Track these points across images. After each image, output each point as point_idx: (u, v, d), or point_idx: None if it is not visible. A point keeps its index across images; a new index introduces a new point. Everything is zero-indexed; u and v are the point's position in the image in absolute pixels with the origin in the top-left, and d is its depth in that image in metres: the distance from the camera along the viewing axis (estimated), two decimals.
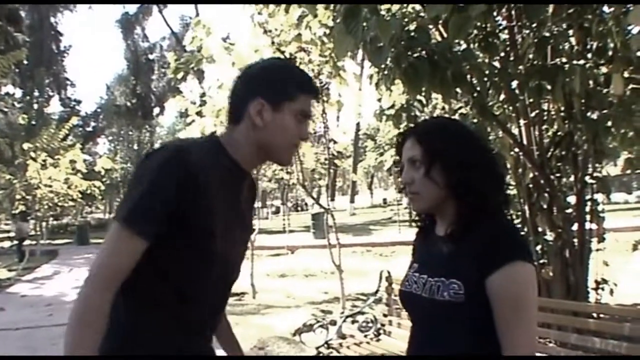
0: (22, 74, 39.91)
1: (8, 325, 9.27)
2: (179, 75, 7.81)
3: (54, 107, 50.08)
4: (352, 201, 49.33)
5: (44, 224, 26.49)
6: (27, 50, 20.48)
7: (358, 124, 40.83)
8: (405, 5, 5.38)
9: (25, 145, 22.00)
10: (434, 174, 1.87)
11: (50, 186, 22.06)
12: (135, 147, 51.51)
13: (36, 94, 45.73)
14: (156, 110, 54.97)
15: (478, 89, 4.91)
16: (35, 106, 44.48)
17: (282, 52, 7.51)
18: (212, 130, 2.06)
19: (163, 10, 52.72)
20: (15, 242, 24.54)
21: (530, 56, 5.26)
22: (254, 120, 1.93)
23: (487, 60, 5.07)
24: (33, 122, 36.39)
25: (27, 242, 24.14)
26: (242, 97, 1.97)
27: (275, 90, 1.95)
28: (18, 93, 44.61)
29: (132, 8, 53.42)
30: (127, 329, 1.87)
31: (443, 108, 6.57)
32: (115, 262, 1.78)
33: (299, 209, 59.39)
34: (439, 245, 1.94)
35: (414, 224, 2.13)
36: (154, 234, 1.77)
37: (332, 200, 37.57)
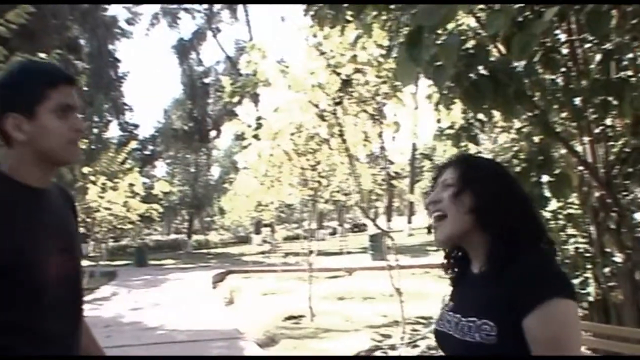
0: (82, 100, 40.99)
1: None
2: (235, 99, 7.84)
3: (113, 131, 51.17)
4: (409, 222, 48.97)
5: (103, 245, 26.92)
6: (87, 77, 20.95)
7: (414, 144, 40.63)
8: (460, 23, 5.28)
9: (85, 169, 22.45)
10: (463, 196, 1.85)
11: (109, 209, 22.42)
12: (192, 169, 52.15)
13: (95, 119, 46.85)
14: (212, 133, 55.65)
15: (541, 106, 4.76)
16: (95, 131, 45.55)
17: (338, 74, 7.48)
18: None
19: (217, 34, 53.62)
20: None
21: (594, 71, 5.09)
22: (16, 137, 1.86)
23: (549, 77, 4.92)
24: (93, 147, 37.27)
25: (85, 263, 24.58)
26: None
27: (24, 98, 1.87)
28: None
29: (187, 33, 54.40)
30: None
31: (502, 127, 6.43)
32: None
33: (356, 230, 59.19)
34: (473, 283, 1.91)
35: (443, 266, 2.07)
36: None
37: (390, 221, 37.38)
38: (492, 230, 1.82)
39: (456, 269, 2.02)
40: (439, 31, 3.71)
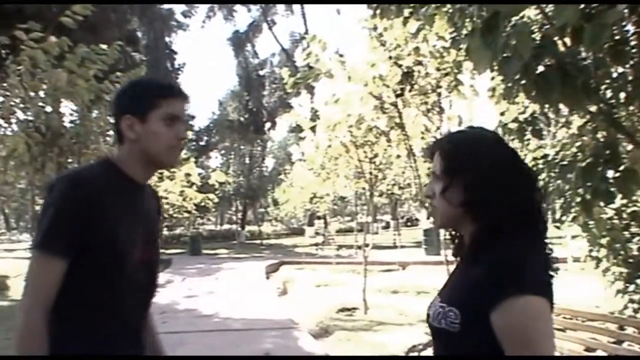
0: None
1: None
2: (296, 90, 7.87)
3: None
4: None
5: None
6: (145, 67, 21.28)
7: None
8: (522, 16, 5.20)
9: None
10: (451, 191, 1.81)
11: (166, 198, 22.80)
12: (247, 160, 52.55)
13: None
14: (267, 125, 56.03)
15: (608, 100, 4.66)
16: None
17: (400, 66, 7.44)
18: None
19: (272, 27, 53.87)
20: None
21: None
22: (128, 135, 2.18)
23: (618, 70, 4.81)
24: None
25: None
26: (116, 118, 2.22)
27: (138, 103, 2.18)
28: None
29: (242, 26, 54.81)
30: (54, 345, 1.99)
31: (562, 123, 6.31)
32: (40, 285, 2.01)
33: (409, 224, 58.94)
34: (460, 268, 1.91)
35: (451, 243, 2.04)
36: (69, 252, 2.00)
37: None
38: (481, 220, 1.77)
39: (457, 245, 1.98)
40: (506, 24, 3.67)
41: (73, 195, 2.03)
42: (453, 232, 1.99)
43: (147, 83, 2.37)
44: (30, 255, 2.05)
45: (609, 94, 4.73)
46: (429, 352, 6.47)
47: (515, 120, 5.60)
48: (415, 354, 6.60)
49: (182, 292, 14.66)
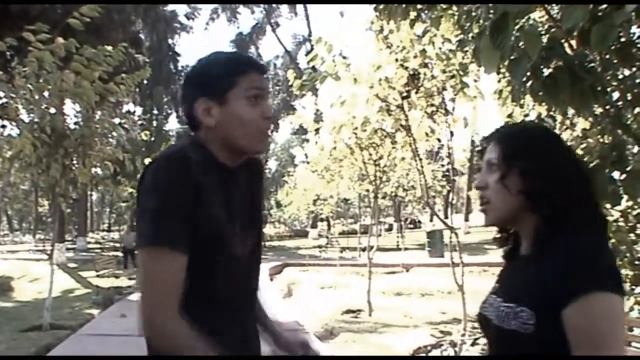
0: (142, 92, 41.67)
1: (130, 331, 9.56)
2: (304, 92, 7.89)
3: (172, 124, 52.11)
4: (466, 219, 48.52)
5: None
6: (150, 69, 21.40)
7: (473, 141, 40.25)
8: (528, 18, 5.21)
9: (147, 160, 22.91)
10: (510, 179, 1.73)
11: None
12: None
13: (155, 111, 47.66)
14: (271, 127, 56.20)
15: (616, 101, 4.67)
16: (154, 123, 46.35)
17: (406, 68, 7.46)
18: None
19: (276, 29, 53.94)
20: (122, 252, 25.40)
21: None
22: (205, 121, 1.89)
23: (625, 72, 4.82)
24: (152, 139, 37.94)
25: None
26: (189, 103, 1.93)
27: (215, 83, 1.89)
28: (138, 111, 46.78)
29: (245, 28, 54.95)
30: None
31: (571, 123, 6.31)
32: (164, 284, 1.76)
33: (412, 226, 58.96)
34: (518, 266, 1.80)
35: (496, 242, 1.96)
36: (186, 244, 1.75)
37: (446, 218, 37.18)
38: (541, 211, 1.68)
39: (509, 245, 1.91)
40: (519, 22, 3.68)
41: (180, 186, 1.77)
42: (504, 231, 1.91)
43: (219, 60, 1.98)
44: (137, 254, 1.81)
45: (615, 95, 4.73)
46: (435, 354, 6.48)
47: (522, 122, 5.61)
48: (422, 354, 6.60)
49: None
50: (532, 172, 1.70)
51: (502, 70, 4.59)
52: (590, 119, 5.78)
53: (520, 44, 3.16)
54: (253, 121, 1.89)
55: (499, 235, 1.94)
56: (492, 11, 3.92)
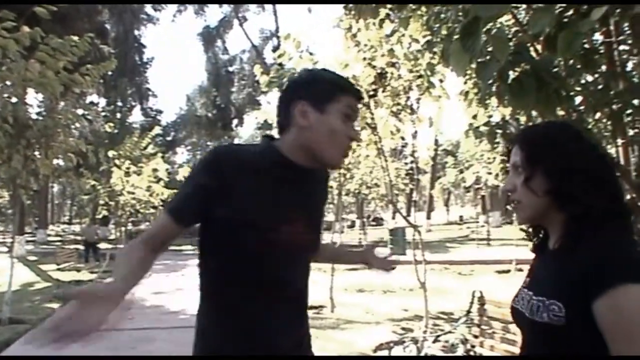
0: (106, 84, 41.27)
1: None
2: (272, 89, 7.88)
3: (136, 116, 51.66)
4: (428, 217, 48.92)
5: (123, 229, 27.12)
6: (115, 60, 21.16)
7: (437, 141, 40.55)
8: (496, 22, 5.28)
9: (110, 153, 22.65)
10: (535, 181, 1.78)
11: (133, 193, 22.60)
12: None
13: (119, 103, 47.18)
14: (235, 121, 55.89)
15: (578, 106, 4.77)
16: (118, 115, 45.88)
17: (373, 67, 7.49)
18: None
19: (243, 23, 53.73)
20: (83, 246, 25.11)
21: (631, 74, 5.09)
22: (299, 121, 2.07)
23: (589, 78, 4.92)
24: (116, 131, 37.53)
25: (105, 246, 24.87)
26: (287, 103, 2.12)
27: (318, 92, 2.07)
28: (102, 102, 46.25)
29: (213, 21, 54.65)
30: (209, 330, 2.17)
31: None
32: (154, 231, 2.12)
33: (374, 223, 59.21)
34: (548, 261, 1.84)
35: (527, 236, 2.01)
36: (190, 220, 2.07)
37: (408, 215, 37.44)
38: (568, 209, 1.73)
39: (537, 239, 1.96)
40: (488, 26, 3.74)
41: (209, 168, 2.04)
42: (535, 227, 1.96)
43: (330, 75, 2.21)
44: None
45: (578, 100, 4.83)
46: (397, 350, 6.55)
47: (486, 123, 5.69)
48: (384, 352, 6.65)
49: (149, 289, 14.53)
50: (556, 172, 1.75)
51: (469, 72, 4.66)
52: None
53: (489, 47, 3.21)
54: (342, 135, 2.08)
55: (530, 232, 1.99)
56: (460, 14, 3.99)
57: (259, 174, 2.06)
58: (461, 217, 59.16)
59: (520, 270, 15.86)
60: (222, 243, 2.06)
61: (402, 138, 8.99)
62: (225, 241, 2.04)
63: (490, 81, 4.12)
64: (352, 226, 54.34)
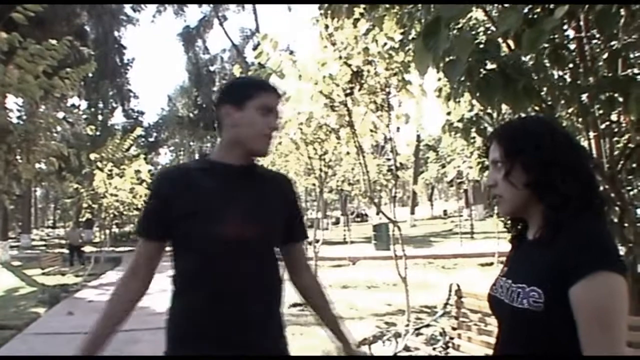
0: (87, 86, 41.01)
1: (77, 329, 9.49)
2: None
3: (118, 118, 51.38)
4: (412, 212, 49.10)
5: (107, 231, 26.99)
6: (95, 62, 21.05)
7: (419, 136, 40.69)
8: (470, 17, 5.38)
9: (92, 156, 22.52)
10: (514, 175, 1.84)
11: (116, 195, 22.50)
12: (197, 156, 52.15)
13: (100, 105, 46.88)
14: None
15: (548, 101, 4.87)
16: (100, 117, 45.57)
17: (349, 65, 7.57)
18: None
19: (223, 22, 53.55)
20: (67, 249, 24.96)
21: (601, 68, 5.19)
22: (226, 121, 2.43)
23: (557, 73, 5.02)
24: (98, 133, 37.27)
25: (90, 249, 24.74)
26: (217, 110, 2.49)
27: (237, 94, 2.44)
28: (83, 105, 45.94)
29: (193, 21, 54.44)
30: (170, 313, 2.43)
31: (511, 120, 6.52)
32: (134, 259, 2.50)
33: (358, 219, 59.33)
34: (527, 250, 1.90)
35: (507, 228, 2.10)
36: (158, 234, 2.41)
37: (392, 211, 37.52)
38: (547, 200, 1.79)
39: (518, 229, 2.02)
40: (452, 26, 3.82)
41: (153, 188, 2.50)
42: (514, 219, 2.02)
43: (246, 78, 2.78)
44: None
45: (549, 96, 4.92)
46: (379, 345, 6.63)
47: (461, 119, 5.78)
48: (366, 346, 6.73)
49: None
50: (534, 164, 1.82)
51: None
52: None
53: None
54: (261, 126, 2.40)
55: (510, 224, 2.06)
56: (432, 11, 4.07)
57: (193, 182, 2.38)
58: (445, 211, 59.38)
59: (503, 262, 15.99)
60: (176, 246, 2.41)
61: (384, 135, 9.06)
62: (178, 244, 2.39)
63: (463, 78, 4.22)
64: (336, 223, 54.42)
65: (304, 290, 2.73)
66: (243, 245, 2.33)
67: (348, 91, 7.88)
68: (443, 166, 39.08)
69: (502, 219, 2.10)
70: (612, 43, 5.09)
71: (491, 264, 17.67)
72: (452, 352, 5.60)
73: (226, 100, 2.45)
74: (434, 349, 5.82)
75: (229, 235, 2.30)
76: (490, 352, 5.08)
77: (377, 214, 11.70)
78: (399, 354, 5.81)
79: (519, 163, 1.84)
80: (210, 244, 2.30)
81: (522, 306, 1.73)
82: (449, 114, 5.92)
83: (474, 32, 4.93)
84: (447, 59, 3.48)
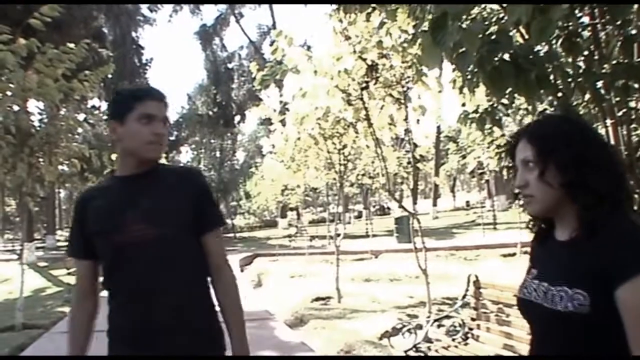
0: (106, 87, 41.25)
1: (102, 327, 9.64)
2: (263, 86, 7.96)
3: None
4: (434, 204, 48.95)
5: None
6: (113, 64, 21.17)
7: (439, 127, 40.54)
8: (484, 7, 5.35)
9: (114, 156, 22.65)
10: (548, 175, 1.80)
11: None
12: (218, 154, 52.33)
13: None
14: (237, 118, 55.84)
15: (562, 90, 4.85)
16: None
17: (364, 60, 7.58)
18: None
19: (240, 20, 53.64)
20: None
21: (615, 55, 5.15)
22: (113, 137, 2.57)
23: (570, 61, 4.99)
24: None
25: None
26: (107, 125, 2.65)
27: (118, 109, 2.53)
28: (103, 106, 46.24)
29: (209, 19, 54.48)
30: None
31: (526, 109, 6.48)
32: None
33: (381, 213, 59.24)
34: (559, 251, 1.86)
35: (529, 228, 2.05)
36: (84, 253, 2.59)
37: (415, 203, 37.43)
38: (582, 200, 1.76)
39: (543, 229, 1.98)
40: (463, 17, 3.82)
41: (74, 209, 2.65)
42: (539, 218, 1.98)
43: (124, 91, 2.68)
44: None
45: (563, 84, 4.90)
46: (399, 338, 6.66)
47: (475, 110, 5.77)
48: (390, 339, 6.77)
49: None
50: (569, 164, 1.78)
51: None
52: (542, 107, 5.97)
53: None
54: (143, 137, 2.46)
55: (533, 223, 2.03)
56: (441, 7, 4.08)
57: (98, 200, 2.55)
58: (467, 202, 59.12)
59: (526, 253, 15.90)
60: (99, 256, 2.57)
61: (406, 129, 9.06)
62: (99, 257, 2.57)
63: (475, 70, 4.22)
64: (359, 217, 54.37)
65: (215, 290, 2.61)
66: (145, 251, 2.43)
67: (364, 85, 7.89)
68: (463, 157, 38.94)
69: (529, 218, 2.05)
70: (628, 29, 5.05)
71: (514, 254, 17.62)
72: (471, 342, 5.62)
73: (110, 117, 2.56)
74: (453, 339, 5.83)
75: (129, 243, 2.42)
76: (509, 342, 5.11)
77: (399, 207, 11.71)
78: (418, 345, 5.82)
79: (553, 163, 1.80)
80: (114, 255, 2.46)
81: (566, 309, 1.70)
82: (463, 105, 5.91)
83: (487, 23, 4.91)
84: (459, 51, 3.51)
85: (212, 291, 2.59)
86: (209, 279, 2.60)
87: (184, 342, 2.42)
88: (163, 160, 2.83)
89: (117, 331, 2.53)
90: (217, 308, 2.61)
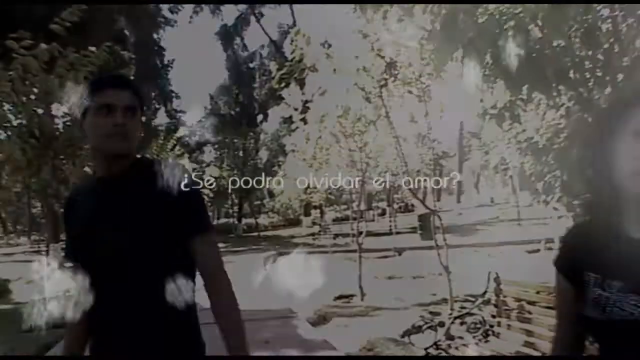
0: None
1: None
2: (282, 85, 8.00)
3: (161, 118, 51.92)
4: (458, 201, 48.69)
5: None
6: (134, 66, 21.34)
7: (461, 123, 40.31)
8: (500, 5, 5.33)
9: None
10: None
11: None
12: (241, 154, 52.44)
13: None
14: (259, 117, 55.95)
15: (581, 84, 4.81)
16: (143, 119, 46.08)
17: (382, 57, 7.56)
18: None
19: (260, 19, 53.72)
20: None
21: (635, 47, 5.10)
22: (83, 134, 2.48)
23: (589, 54, 4.95)
24: (141, 134, 37.75)
25: None
26: None
27: (80, 106, 2.38)
28: None
29: (230, 19, 54.57)
30: None
31: (547, 104, 6.44)
32: None
33: (405, 210, 59.03)
34: (633, 251, 1.52)
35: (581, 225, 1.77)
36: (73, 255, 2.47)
37: (438, 200, 37.27)
38: None
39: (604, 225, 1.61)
40: (480, 10, 3.81)
41: (64, 209, 2.61)
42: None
43: (89, 83, 2.63)
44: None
45: (583, 78, 4.86)
46: (419, 335, 6.64)
47: (494, 106, 5.74)
48: (412, 336, 6.76)
49: None
50: None
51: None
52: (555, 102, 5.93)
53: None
54: (102, 129, 2.31)
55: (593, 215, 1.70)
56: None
57: (77, 203, 2.53)
58: (492, 199, 58.73)
59: (550, 249, 15.78)
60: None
61: (428, 124, 9.03)
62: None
63: (493, 65, 4.21)
64: (382, 214, 54.16)
65: (209, 297, 2.43)
66: (112, 261, 2.30)
67: (382, 83, 7.88)
68: (486, 153, 38.72)
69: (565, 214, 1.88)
70: None
71: (538, 250, 17.47)
72: (492, 340, 5.60)
73: (79, 114, 2.42)
74: (474, 337, 5.81)
75: (100, 254, 2.32)
76: (530, 339, 5.08)
77: (422, 204, 11.68)
78: (439, 343, 5.81)
79: None
80: (88, 265, 2.34)
81: None
82: (481, 100, 5.89)
83: (504, 17, 4.89)
84: (473, 47, 3.51)
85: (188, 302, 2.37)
86: (191, 287, 2.40)
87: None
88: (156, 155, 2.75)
89: (93, 334, 2.46)
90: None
